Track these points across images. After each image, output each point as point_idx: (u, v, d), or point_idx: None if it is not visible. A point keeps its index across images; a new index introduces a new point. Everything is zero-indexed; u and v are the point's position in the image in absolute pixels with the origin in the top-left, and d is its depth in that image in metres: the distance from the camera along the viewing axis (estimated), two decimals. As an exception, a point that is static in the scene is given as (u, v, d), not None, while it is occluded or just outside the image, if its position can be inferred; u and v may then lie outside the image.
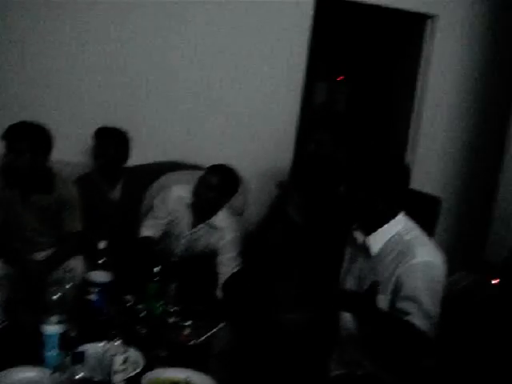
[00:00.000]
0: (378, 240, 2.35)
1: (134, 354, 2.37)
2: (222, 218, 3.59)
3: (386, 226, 2.34)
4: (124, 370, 2.18)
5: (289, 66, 4.15)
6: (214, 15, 4.09)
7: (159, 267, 2.82)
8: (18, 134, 3.17)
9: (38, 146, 3.20)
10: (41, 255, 3.38)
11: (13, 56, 4.02)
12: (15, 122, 3.21)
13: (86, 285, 2.75)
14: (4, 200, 3.27)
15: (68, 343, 2.12)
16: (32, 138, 3.18)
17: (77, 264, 3.27)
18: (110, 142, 3.74)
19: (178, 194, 3.59)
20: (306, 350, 2.60)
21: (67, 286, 2.70)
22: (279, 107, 4.18)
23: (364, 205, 2.32)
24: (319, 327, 2.68)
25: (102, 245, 2.79)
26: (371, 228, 2.36)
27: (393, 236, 2.32)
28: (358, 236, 2.42)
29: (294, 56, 4.15)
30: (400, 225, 2.34)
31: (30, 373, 2.20)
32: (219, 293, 3.41)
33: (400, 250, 2.27)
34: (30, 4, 3.93)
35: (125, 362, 2.18)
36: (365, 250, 2.40)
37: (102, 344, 2.33)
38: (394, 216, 2.34)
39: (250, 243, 3.69)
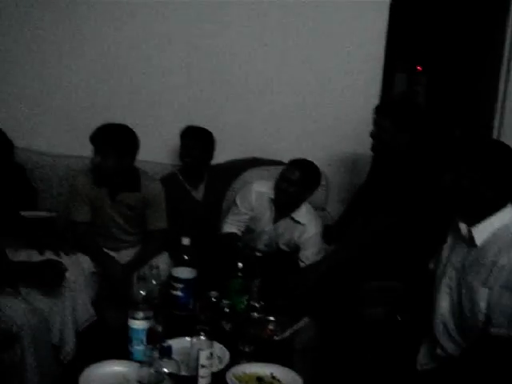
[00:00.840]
0: (483, 231, 2.25)
1: (219, 348, 2.40)
2: (304, 213, 3.57)
3: (492, 216, 2.24)
4: (209, 364, 2.21)
5: (367, 57, 4.04)
6: (288, 8, 4.06)
7: (242, 263, 2.83)
8: (104, 138, 3.25)
9: (123, 149, 3.27)
10: (126, 252, 3.46)
11: (98, 59, 4.17)
12: (102, 124, 3.29)
13: (171, 281, 2.80)
14: (93, 198, 3.37)
15: (154, 338, 2.16)
16: (118, 141, 3.25)
17: (162, 261, 3.32)
18: (197, 143, 3.75)
19: (258, 189, 3.60)
20: (391, 345, 2.55)
21: (153, 283, 2.75)
22: (358, 99, 4.08)
23: (469, 193, 2.24)
24: (405, 322, 2.63)
25: (186, 241, 2.84)
26: (476, 218, 2.26)
27: (499, 228, 2.22)
28: (462, 226, 2.33)
29: (371, 47, 4.03)
30: (508, 216, 2.24)
31: (118, 366, 2.26)
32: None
33: (507, 242, 2.18)
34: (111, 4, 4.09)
35: (210, 356, 2.21)
36: (468, 240, 2.31)
37: (187, 339, 2.38)
38: (501, 207, 2.24)
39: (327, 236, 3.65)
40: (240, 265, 2.82)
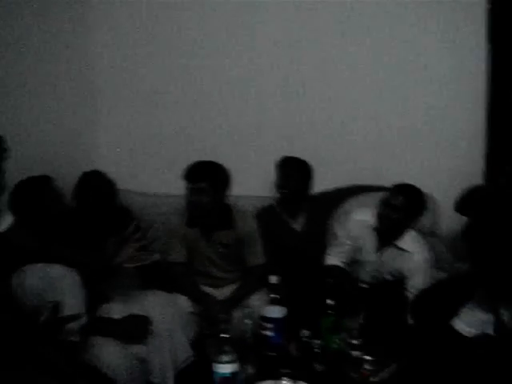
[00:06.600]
0: None
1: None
2: (409, 240, 3.39)
3: None
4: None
5: (470, 77, 3.84)
6: (388, 34, 3.94)
7: (333, 300, 2.71)
8: (196, 175, 3.27)
9: (216, 185, 3.28)
10: (227, 289, 3.44)
11: (193, 98, 4.22)
12: (194, 161, 3.32)
13: (261, 320, 2.74)
14: (188, 238, 3.39)
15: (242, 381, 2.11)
16: (210, 178, 3.26)
17: (260, 298, 3.27)
18: (293, 172, 3.69)
19: (359, 217, 3.48)
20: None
21: (246, 322, 2.71)
22: (463, 121, 3.88)
23: None
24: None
25: (273, 279, 2.76)
26: None
27: None
28: None
29: (471, 60, 3.82)
30: None
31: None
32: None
33: None
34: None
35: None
36: None
37: (274, 382, 2.30)
38: None
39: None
40: (330, 302, 2.70)
